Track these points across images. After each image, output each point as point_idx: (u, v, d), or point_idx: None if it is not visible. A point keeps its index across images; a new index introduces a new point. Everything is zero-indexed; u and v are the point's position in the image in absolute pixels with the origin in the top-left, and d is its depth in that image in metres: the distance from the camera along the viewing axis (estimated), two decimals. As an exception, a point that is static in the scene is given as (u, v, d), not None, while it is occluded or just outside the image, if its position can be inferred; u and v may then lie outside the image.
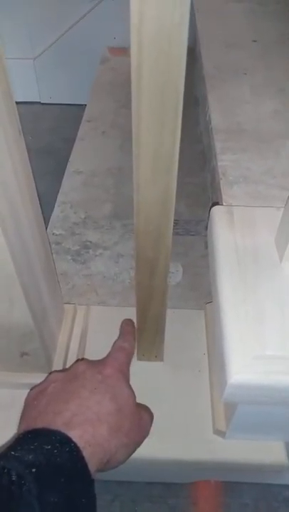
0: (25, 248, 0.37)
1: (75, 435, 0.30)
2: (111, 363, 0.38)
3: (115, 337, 0.53)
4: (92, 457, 0.30)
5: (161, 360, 0.50)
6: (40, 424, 0.32)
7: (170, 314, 0.46)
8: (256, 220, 0.41)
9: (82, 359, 0.39)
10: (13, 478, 0.26)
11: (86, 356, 0.51)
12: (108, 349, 0.52)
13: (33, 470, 0.27)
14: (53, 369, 0.48)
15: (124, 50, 1.17)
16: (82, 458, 0.29)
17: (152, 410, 0.47)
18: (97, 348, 0.52)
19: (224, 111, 0.59)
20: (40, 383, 0.38)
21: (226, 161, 0.50)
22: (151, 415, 0.40)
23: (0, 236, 0.31)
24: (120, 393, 0.36)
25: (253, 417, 0.39)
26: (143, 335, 0.46)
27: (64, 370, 0.39)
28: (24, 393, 0.48)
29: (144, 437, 0.38)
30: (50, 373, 0.39)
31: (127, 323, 0.45)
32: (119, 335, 0.44)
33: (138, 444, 0.37)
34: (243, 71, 0.69)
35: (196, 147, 0.82)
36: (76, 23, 1.20)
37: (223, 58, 0.73)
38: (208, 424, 0.45)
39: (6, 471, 0.26)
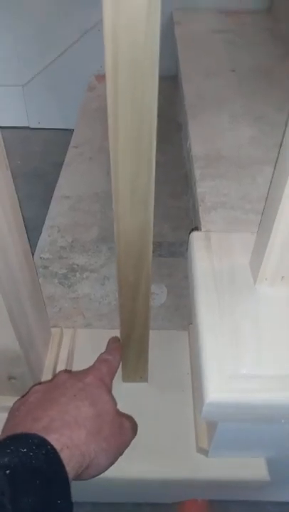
0: (12, 274, 0.38)
1: (52, 438, 0.30)
2: (92, 372, 0.39)
3: (101, 359, 0.54)
4: (70, 460, 0.30)
5: (146, 381, 0.51)
6: (18, 431, 0.32)
7: (155, 335, 0.48)
8: (232, 245, 0.43)
9: (62, 371, 0.40)
10: None
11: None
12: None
13: (7, 472, 0.27)
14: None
15: (110, 78, 1.21)
16: (59, 460, 0.29)
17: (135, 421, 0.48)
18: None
19: (204, 138, 0.62)
20: (23, 395, 0.39)
21: (204, 188, 0.52)
22: (133, 424, 0.41)
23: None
24: (100, 400, 0.37)
25: (233, 434, 0.40)
26: (128, 356, 0.48)
27: (45, 382, 0.40)
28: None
29: (126, 444, 0.38)
30: (32, 386, 0.40)
31: (113, 340, 0.47)
32: (105, 349, 0.46)
33: (119, 450, 0.37)
34: (223, 100, 0.72)
35: (180, 171, 0.85)
36: (64, 51, 1.25)
37: (203, 87, 0.77)
38: (192, 442, 0.46)
39: None
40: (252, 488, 0.47)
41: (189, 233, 0.46)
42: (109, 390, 0.39)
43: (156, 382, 0.51)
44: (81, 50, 1.24)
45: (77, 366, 0.54)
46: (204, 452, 0.44)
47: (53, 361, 0.51)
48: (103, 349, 0.55)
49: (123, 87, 0.26)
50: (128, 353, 0.47)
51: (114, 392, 0.51)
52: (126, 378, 0.51)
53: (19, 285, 0.41)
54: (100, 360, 0.43)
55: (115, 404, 0.39)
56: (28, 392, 0.39)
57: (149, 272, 0.38)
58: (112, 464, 0.37)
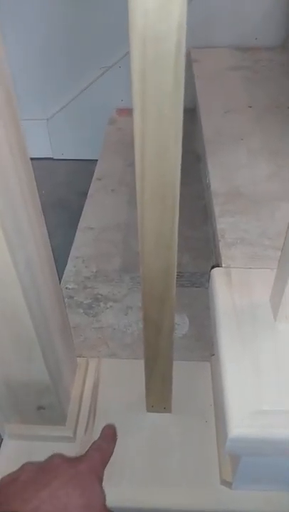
0: (43, 309, 0.41)
1: None
2: (86, 460, 0.39)
3: (126, 389, 0.56)
4: None
5: (170, 411, 0.53)
6: (8, 509, 0.32)
7: (177, 366, 0.49)
8: (252, 281, 0.45)
9: (56, 454, 0.39)
10: None
11: (98, 407, 0.54)
12: (118, 401, 0.55)
13: None
14: (67, 421, 0.50)
15: (130, 111, 1.26)
16: None
17: (161, 461, 0.49)
18: (108, 400, 0.55)
19: (222, 175, 0.64)
20: (14, 472, 0.38)
21: (224, 224, 0.55)
22: None
23: (23, 305, 0.35)
24: (91, 490, 0.36)
25: (257, 468, 0.41)
26: (151, 387, 0.49)
27: (37, 462, 0.39)
28: (41, 445, 0.51)
29: None
30: (24, 464, 0.39)
31: (108, 426, 0.46)
32: (100, 436, 0.45)
33: None
34: (240, 136, 0.75)
35: (199, 202, 0.88)
36: (86, 87, 1.31)
37: (221, 123, 0.80)
38: (215, 474, 0.47)
39: None
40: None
41: (210, 269, 0.48)
42: (100, 481, 0.38)
43: (180, 412, 0.52)
44: (102, 86, 1.30)
45: (102, 395, 0.55)
46: (228, 485, 0.45)
47: (79, 390, 0.53)
48: (127, 378, 0.57)
49: (149, 139, 0.29)
50: (152, 384, 0.49)
51: (138, 422, 0.52)
52: (150, 408, 0.52)
53: (49, 318, 0.43)
54: (94, 448, 0.42)
55: (104, 496, 0.38)
56: (19, 469, 0.38)
57: (172, 310, 0.40)
58: None
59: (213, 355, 0.58)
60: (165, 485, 0.47)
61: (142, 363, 0.51)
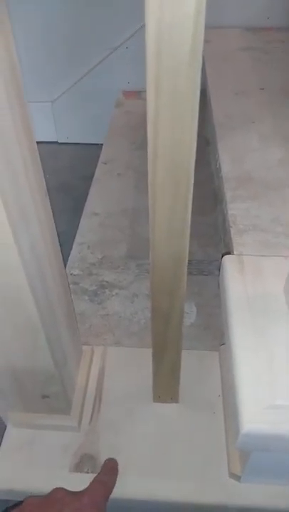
0: (48, 294, 0.39)
1: None
2: (89, 494, 0.38)
3: (132, 378, 0.55)
4: None
5: (177, 401, 0.51)
6: None
7: (185, 355, 0.48)
8: (265, 269, 0.43)
9: (59, 488, 0.39)
10: None
11: (103, 396, 0.53)
12: (124, 389, 0.54)
13: None
14: (71, 410, 0.49)
15: (137, 94, 1.24)
16: None
17: (167, 452, 0.48)
18: (114, 389, 0.54)
19: (233, 159, 0.62)
20: (17, 505, 0.38)
21: (236, 210, 0.53)
22: None
23: (27, 290, 0.34)
24: None
25: (267, 462, 0.40)
26: (159, 377, 0.48)
27: (41, 496, 0.39)
28: (44, 434, 0.50)
29: None
30: (27, 497, 0.39)
31: (110, 459, 0.46)
32: (102, 469, 0.44)
33: None
34: (251, 119, 0.73)
35: (208, 188, 0.85)
36: (92, 68, 1.27)
37: (231, 106, 0.77)
38: (224, 467, 0.46)
39: None
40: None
41: (222, 256, 0.46)
42: None
43: (187, 403, 0.51)
44: (109, 67, 1.27)
45: (107, 384, 0.54)
46: (236, 478, 0.44)
47: (84, 379, 0.52)
48: (133, 367, 0.56)
49: (163, 116, 0.26)
50: (160, 374, 0.47)
51: (144, 412, 0.51)
52: (156, 398, 0.51)
53: (55, 304, 0.42)
54: (97, 481, 0.41)
55: None
56: (22, 502, 0.38)
57: (182, 301, 0.38)
58: None
59: (223, 344, 0.57)
60: (171, 477, 0.46)
61: (148, 351, 0.49)
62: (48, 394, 0.46)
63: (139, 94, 1.23)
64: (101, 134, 1.10)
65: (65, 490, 0.38)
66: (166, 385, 0.49)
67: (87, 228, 0.80)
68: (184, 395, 0.51)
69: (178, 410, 0.51)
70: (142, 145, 1.03)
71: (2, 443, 0.51)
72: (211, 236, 0.77)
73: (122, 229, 0.80)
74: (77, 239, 0.78)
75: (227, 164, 0.61)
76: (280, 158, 0.62)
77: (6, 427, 0.52)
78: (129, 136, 1.06)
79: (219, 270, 0.71)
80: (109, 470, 0.44)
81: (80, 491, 0.39)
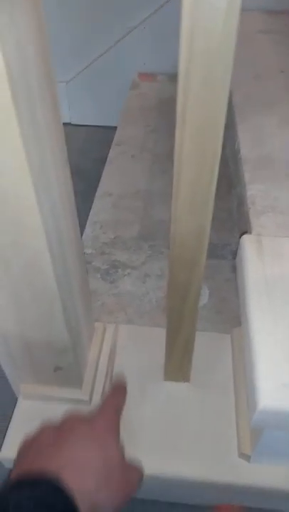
0: (66, 266, 0.39)
1: (65, 483, 0.31)
2: (102, 418, 0.39)
3: (143, 356, 0.55)
4: (80, 506, 0.30)
5: (188, 381, 0.51)
6: (32, 470, 0.32)
7: (197, 337, 0.48)
8: (284, 250, 0.42)
9: (72, 414, 0.39)
10: None
11: (114, 374, 0.53)
12: (135, 367, 0.54)
13: None
14: (83, 384, 0.50)
15: (153, 76, 1.22)
16: (74, 506, 0.30)
17: (177, 430, 0.48)
18: (125, 366, 0.54)
19: (253, 141, 0.61)
20: (32, 435, 0.38)
21: (254, 191, 0.52)
22: (140, 473, 0.40)
23: (46, 254, 0.34)
24: (109, 448, 0.36)
25: (279, 442, 0.40)
26: (172, 356, 0.48)
27: (54, 423, 0.39)
28: (55, 406, 0.50)
29: (131, 494, 0.37)
30: (42, 426, 0.39)
31: (119, 379, 0.46)
32: (110, 390, 0.44)
33: (124, 499, 0.36)
34: (271, 102, 0.71)
35: (223, 170, 0.84)
36: (108, 49, 1.26)
37: (251, 88, 0.76)
38: (233, 446, 0.46)
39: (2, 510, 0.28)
40: (291, 497, 0.47)
41: (240, 236, 0.45)
42: (117, 435, 0.38)
43: (198, 383, 0.51)
44: (125, 48, 1.25)
45: (118, 361, 0.54)
46: (246, 458, 0.44)
47: (96, 354, 0.52)
48: (144, 346, 0.56)
49: (195, 91, 0.26)
50: (173, 353, 0.47)
51: (155, 390, 0.51)
52: (168, 377, 0.51)
53: (72, 278, 0.41)
54: (107, 403, 0.42)
55: (123, 453, 0.38)
56: (37, 431, 0.38)
57: (201, 274, 0.38)
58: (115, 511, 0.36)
59: (236, 327, 0.57)
60: (180, 454, 0.47)
61: (159, 330, 0.49)
62: (60, 366, 0.46)
63: (154, 76, 1.22)
64: (115, 117, 1.09)
65: (78, 416, 0.39)
66: (178, 364, 0.49)
67: (101, 208, 0.80)
68: (195, 375, 0.51)
69: (189, 390, 0.51)
70: (156, 128, 1.01)
71: (13, 415, 0.51)
72: (225, 220, 0.76)
73: (134, 210, 0.80)
74: (91, 218, 0.77)
75: (246, 146, 0.60)
76: (301, 141, 0.61)
77: (17, 399, 0.52)
78: (144, 119, 1.04)
79: (232, 255, 0.71)
80: (118, 390, 0.44)
81: (93, 415, 0.39)
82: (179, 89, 0.26)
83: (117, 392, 0.43)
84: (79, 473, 0.33)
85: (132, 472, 0.38)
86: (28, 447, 0.36)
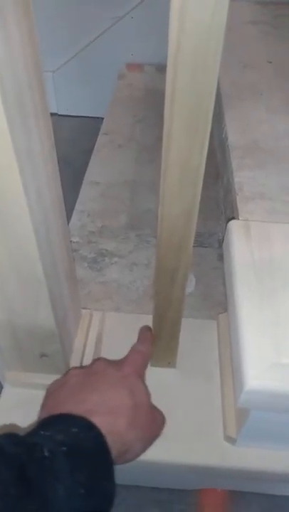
0: (52, 252, 0.39)
1: (97, 422, 0.31)
2: (129, 363, 0.40)
3: (129, 343, 0.54)
4: (111, 446, 0.31)
5: (174, 366, 0.51)
6: (62, 411, 0.33)
7: (183, 323, 0.48)
8: (272, 235, 0.43)
9: (101, 358, 0.41)
10: (46, 453, 0.28)
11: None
12: (122, 354, 0.54)
13: (64, 449, 0.28)
14: (69, 371, 0.49)
15: (141, 67, 1.21)
16: (106, 444, 0.30)
17: (164, 415, 0.48)
18: (112, 353, 0.54)
19: (240, 129, 0.61)
20: (61, 377, 0.40)
21: (242, 178, 0.52)
22: (163, 417, 0.42)
23: (32, 239, 0.33)
24: (137, 391, 0.37)
25: (265, 424, 0.40)
26: (158, 342, 0.48)
27: (83, 366, 0.41)
28: (41, 393, 0.50)
29: (157, 436, 0.39)
30: (70, 369, 0.40)
31: (145, 329, 0.47)
32: (137, 340, 0.46)
33: (151, 441, 0.38)
34: (259, 91, 0.72)
35: (210, 161, 0.84)
36: (95, 39, 1.24)
37: (239, 78, 0.76)
38: (219, 430, 0.46)
39: (38, 447, 0.28)
40: (277, 482, 0.47)
41: (227, 222, 0.46)
42: (144, 382, 0.40)
43: (184, 369, 0.51)
44: (112, 38, 1.23)
45: (105, 348, 0.54)
46: (232, 441, 0.44)
47: (82, 341, 0.52)
48: (131, 333, 0.55)
49: (183, 67, 0.26)
50: (159, 338, 0.47)
51: (141, 376, 0.51)
52: (154, 363, 0.51)
53: (58, 264, 0.41)
54: (135, 351, 0.43)
55: (150, 396, 0.39)
56: (66, 374, 0.39)
57: (189, 258, 0.38)
58: (143, 452, 0.37)
59: (221, 313, 0.57)
60: (166, 438, 0.46)
61: (146, 317, 0.49)
62: (46, 353, 0.46)
63: (142, 67, 1.21)
64: (102, 108, 1.08)
65: (106, 360, 0.40)
66: (164, 349, 0.49)
67: (88, 197, 0.79)
68: (181, 361, 0.52)
69: (175, 375, 0.51)
70: (143, 118, 1.01)
71: (-2, 402, 0.50)
72: (212, 209, 0.76)
73: (122, 200, 0.79)
74: (78, 207, 0.77)
75: (234, 133, 0.60)
76: (288, 128, 0.61)
77: (2, 386, 0.52)
78: (132, 109, 1.04)
79: (218, 243, 0.71)
80: (145, 339, 0.45)
81: (120, 361, 0.41)
82: (169, 67, 0.26)
83: (144, 341, 0.45)
84: (110, 416, 0.33)
85: (157, 415, 0.40)
86: (57, 390, 0.37)
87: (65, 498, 0.27)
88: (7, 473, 0.26)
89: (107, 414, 0.33)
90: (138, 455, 0.37)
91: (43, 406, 0.37)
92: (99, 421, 0.32)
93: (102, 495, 0.29)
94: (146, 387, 0.39)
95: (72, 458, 0.28)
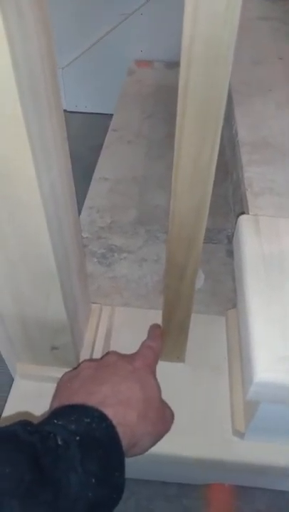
0: (65, 244, 0.39)
1: (108, 414, 0.32)
2: (140, 358, 0.41)
3: (138, 337, 0.55)
4: (122, 438, 0.32)
5: (183, 361, 0.52)
6: (74, 401, 0.34)
7: (192, 318, 0.48)
8: (282, 230, 0.43)
9: (112, 351, 0.41)
10: (60, 442, 0.28)
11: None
12: (131, 349, 0.54)
13: (77, 438, 0.29)
14: (79, 365, 0.50)
15: (150, 63, 1.21)
16: (117, 435, 0.31)
17: (172, 408, 0.49)
18: (121, 347, 0.54)
19: (250, 125, 0.61)
20: (73, 369, 0.40)
21: (251, 173, 0.52)
22: (173, 413, 0.42)
23: (45, 231, 0.33)
24: (148, 385, 0.38)
25: (273, 418, 0.40)
26: (167, 336, 0.48)
27: (95, 359, 0.42)
28: (51, 386, 0.50)
29: (167, 431, 0.40)
30: (82, 361, 0.41)
31: (155, 326, 0.48)
32: (148, 336, 0.46)
33: (161, 436, 0.39)
34: (269, 87, 0.71)
35: (219, 158, 0.84)
36: (105, 35, 1.24)
37: (249, 74, 0.76)
38: (227, 425, 0.47)
39: (52, 435, 0.29)
40: (284, 477, 0.47)
41: (237, 217, 0.46)
42: (155, 376, 0.41)
43: (193, 363, 0.52)
44: (122, 35, 1.24)
45: (114, 342, 0.55)
46: (240, 435, 0.45)
47: (92, 335, 0.52)
48: (141, 328, 0.56)
49: (197, 61, 0.26)
50: (168, 332, 0.48)
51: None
52: (163, 357, 0.51)
53: (70, 257, 0.41)
54: (146, 346, 0.44)
55: (160, 391, 0.40)
56: (78, 367, 0.40)
57: (199, 253, 0.38)
58: (152, 447, 0.38)
59: (230, 309, 0.57)
60: (174, 432, 0.47)
61: (156, 312, 0.50)
62: (57, 345, 0.46)
63: (151, 63, 1.21)
64: (111, 104, 1.08)
65: (118, 354, 0.41)
66: (173, 344, 0.49)
67: (97, 193, 0.79)
68: (190, 355, 0.52)
69: (183, 369, 0.51)
70: (153, 114, 1.01)
71: (10, 394, 0.51)
72: (221, 206, 0.76)
73: (131, 195, 0.80)
74: (87, 202, 0.77)
75: (244, 129, 0.60)
76: (298, 125, 0.61)
77: (13, 379, 0.52)
78: (141, 105, 1.04)
79: (227, 239, 0.71)
80: (155, 336, 0.46)
81: (132, 355, 0.41)
82: (182, 58, 0.26)
83: (155, 338, 0.46)
84: (121, 407, 0.34)
85: (167, 411, 0.40)
86: (70, 381, 0.38)
87: (78, 488, 0.27)
88: (22, 461, 0.26)
89: (119, 406, 0.34)
90: (146, 449, 0.37)
91: (56, 396, 0.37)
92: (110, 412, 0.32)
93: (113, 485, 0.30)
94: (157, 382, 0.40)
95: (85, 447, 0.29)
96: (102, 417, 0.31)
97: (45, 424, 0.30)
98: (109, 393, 0.34)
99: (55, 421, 0.30)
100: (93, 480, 0.28)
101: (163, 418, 0.39)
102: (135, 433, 0.34)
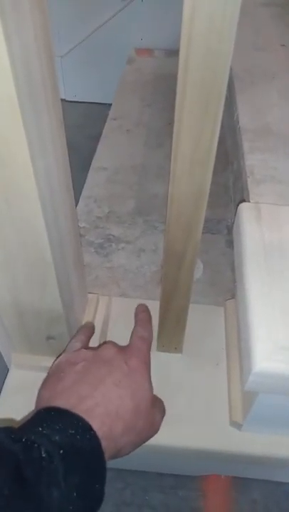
0: (60, 233, 0.38)
1: (94, 425, 0.31)
2: (136, 354, 0.39)
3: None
4: (105, 450, 0.31)
5: (180, 352, 0.51)
6: (63, 402, 0.33)
7: (190, 308, 0.48)
8: (282, 218, 0.42)
9: (110, 342, 0.40)
10: (43, 454, 0.28)
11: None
12: (128, 339, 0.54)
13: (61, 451, 0.28)
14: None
15: (150, 51, 1.19)
16: (100, 447, 0.31)
17: (169, 399, 0.48)
18: (118, 337, 0.53)
19: (252, 112, 0.60)
20: (70, 355, 0.39)
21: (253, 160, 0.51)
22: (163, 414, 0.41)
23: (40, 219, 0.33)
24: (140, 390, 0.37)
25: (271, 409, 0.40)
26: (165, 326, 0.47)
27: (92, 349, 0.41)
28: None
29: (153, 435, 0.39)
30: (79, 349, 0.40)
31: (142, 309, 0.46)
32: (137, 322, 0.45)
33: (144, 441, 0.38)
34: (271, 75, 0.70)
35: (219, 147, 0.83)
36: (104, 23, 1.22)
37: (251, 61, 0.74)
38: (225, 415, 0.46)
39: (36, 445, 0.28)
40: (281, 468, 0.47)
41: (237, 204, 0.45)
42: (149, 374, 0.40)
43: (191, 354, 0.51)
44: (122, 23, 1.22)
45: (111, 333, 0.54)
46: (237, 426, 0.44)
47: (89, 326, 0.51)
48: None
49: (198, 35, 0.25)
50: (166, 322, 0.47)
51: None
52: (160, 348, 0.51)
53: (66, 246, 0.40)
54: (139, 337, 0.43)
55: (152, 393, 0.39)
56: (76, 354, 0.39)
57: (198, 241, 0.37)
58: (134, 450, 0.37)
59: (229, 299, 0.56)
60: (172, 422, 0.46)
61: (153, 303, 0.49)
62: (53, 335, 0.45)
63: (152, 51, 1.19)
64: (110, 94, 1.06)
65: (115, 347, 0.40)
66: (171, 334, 0.49)
67: (95, 182, 0.78)
68: (188, 346, 0.51)
69: (181, 360, 0.51)
70: (152, 102, 0.99)
71: (5, 384, 0.50)
72: (221, 196, 0.75)
73: (130, 185, 0.78)
74: (84, 192, 0.76)
75: (246, 116, 0.59)
76: (300, 113, 0.60)
77: (8, 369, 0.52)
78: (140, 94, 1.02)
79: (227, 230, 0.70)
80: (145, 323, 0.45)
81: (127, 350, 0.40)
82: (183, 34, 0.25)
83: (145, 325, 0.44)
84: (108, 420, 0.33)
85: (157, 414, 0.39)
86: (63, 370, 0.37)
87: (59, 502, 0.27)
88: (3, 472, 0.26)
89: (106, 417, 0.33)
90: (127, 454, 0.37)
91: (46, 383, 0.37)
92: (97, 423, 0.32)
93: (93, 497, 0.29)
94: (150, 383, 0.39)
95: (68, 460, 0.28)
96: (87, 428, 0.31)
97: (29, 431, 0.30)
98: (99, 401, 0.34)
99: (40, 428, 0.30)
100: (75, 494, 0.28)
101: (150, 426, 0.38)
102: (118, 444, 0.34)
